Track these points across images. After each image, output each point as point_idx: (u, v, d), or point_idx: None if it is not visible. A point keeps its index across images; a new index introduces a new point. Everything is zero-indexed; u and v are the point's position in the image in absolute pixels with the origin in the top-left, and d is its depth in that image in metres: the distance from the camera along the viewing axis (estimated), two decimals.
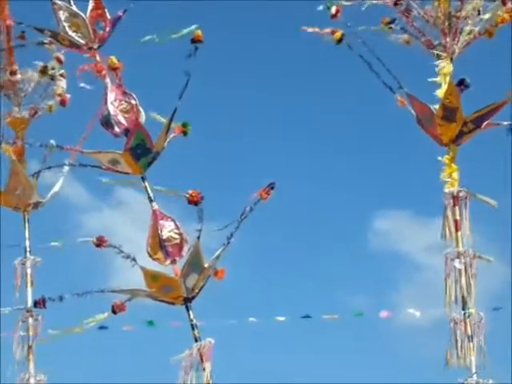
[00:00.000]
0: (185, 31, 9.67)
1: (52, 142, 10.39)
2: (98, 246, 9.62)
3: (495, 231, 10.10)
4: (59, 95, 11.44)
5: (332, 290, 14.96)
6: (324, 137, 16.45)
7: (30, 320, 10.67)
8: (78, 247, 9.96)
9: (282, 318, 10.10)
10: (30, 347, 10.61)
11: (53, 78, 11.36)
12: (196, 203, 9.44)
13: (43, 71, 11.38)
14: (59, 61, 11.35)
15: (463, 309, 9.46)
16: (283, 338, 12.67)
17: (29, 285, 10.82)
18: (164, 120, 9.78)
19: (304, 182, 15.53)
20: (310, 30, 10.18)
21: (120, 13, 10.15)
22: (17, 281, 10.76)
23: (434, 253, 9.83)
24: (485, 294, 9.78)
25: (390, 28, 10.18)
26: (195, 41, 9.58)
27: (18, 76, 11.35)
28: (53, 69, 11.31)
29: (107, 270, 12.96)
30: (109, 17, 10.18)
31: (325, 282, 15.11)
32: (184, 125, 9.82)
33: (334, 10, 10.08)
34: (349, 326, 10.15)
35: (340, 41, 10.07)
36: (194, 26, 9.64)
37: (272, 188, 9.44)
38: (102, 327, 10.11)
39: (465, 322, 9.42)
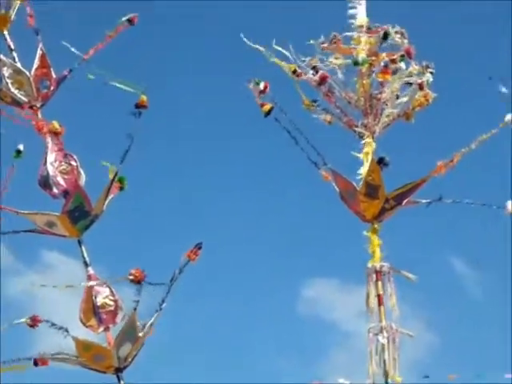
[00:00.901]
0: (130, 87, 9.61)
1: None
2: (31, 326, 9.36)
3: (424, 300, 10.30)
4: None
5: (261, 357, 14.98)
6: (253, 204, 16.58)
7: None
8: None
9: None
10: None
11: None
12: (139, 282, 9.38)
13: None
14: None
15: (385, 382, 9.62)
16: None
17: None
18: (115, 168, 9.63)
19: (234, 246, 15.56)
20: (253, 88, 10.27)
21: (65, 72, 9.95)
22: None
23: (362, 321, 9.98)
24: (411, 364, 9.95)
25: (313, 108, 10.46)
26: (140, 106, 9.52)
27: None
28: None
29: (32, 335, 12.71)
30: (54, 76, 9.94)
31: (255, 349, 15.12)
32: (120, 180, 9.68)
33: (262, 85, 10.29)
34: None
35: (268, 113, 10.26)
36: (140, 86, 9.58)
37: (199, 248, 9.31)
38: None
39: None
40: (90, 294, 9.53)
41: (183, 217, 16.53)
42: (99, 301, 9.49)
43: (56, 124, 9.72)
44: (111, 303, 9.52)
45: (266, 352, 15.03)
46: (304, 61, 10.42)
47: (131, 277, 9.28)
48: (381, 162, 10.08)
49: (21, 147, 9.71)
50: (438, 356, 12.99)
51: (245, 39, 10.30)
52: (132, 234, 15.43)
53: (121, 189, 9.73)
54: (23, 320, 9.32)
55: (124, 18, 9.94)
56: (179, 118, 16.78)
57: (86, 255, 9.63)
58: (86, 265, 9.63)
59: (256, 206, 16.67)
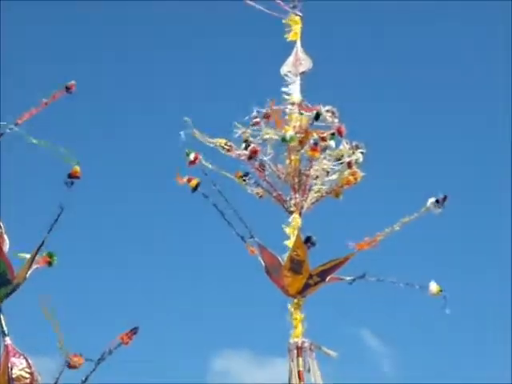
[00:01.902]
0: (64, 159, 9.52)
1: None
2: None
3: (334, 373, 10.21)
4: None
5: None
6: (175, 274, 16.45)
7: None
8: None
9: None
10: None
11: None
12: (77, 368, 9.05)
13: None
14: None
15: None
16: None
17: None
18: (28, 256, 9.51)
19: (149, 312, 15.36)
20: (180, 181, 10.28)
21: None
22: None
23: None
24: None
25: (244, 181, 10.48)
26: (72, 176, 9.39)
27: None
28: None
29: None
30: None
31: None
32: (49, 255, 9.47)
33: (192, 156, 10.31)
34: None
35: (195, 189, 10.26)
36: (73, 159, 9.47)
37: (135, 333, 9.14)
38: None
39: None
40: (5, 364, 9.17)
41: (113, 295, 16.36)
42: (15, 373, 9.14)
43: None
44: (27, 376, 9.21)
45: None
46: (236, 133, 10.48)
47: (72, 363, 9.08)
48: (308, 241, 10.08)
49: None
50: None
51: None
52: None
53: (49, 264, 9.52)
54: None
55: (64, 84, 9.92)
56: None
57: (4, 324, 9.43)
58: (4, 334, 9.31)
59: (178, 275, 16.59)
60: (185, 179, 10.30)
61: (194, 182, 10.28)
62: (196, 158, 10.35)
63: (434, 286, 9.91)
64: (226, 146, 10.52)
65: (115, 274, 16.53)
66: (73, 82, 9.78)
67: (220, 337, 15.66)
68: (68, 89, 9.82)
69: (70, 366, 9.08)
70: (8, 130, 9.57)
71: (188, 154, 10.37)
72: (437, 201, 9.89)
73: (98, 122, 16.82)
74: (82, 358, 9.09)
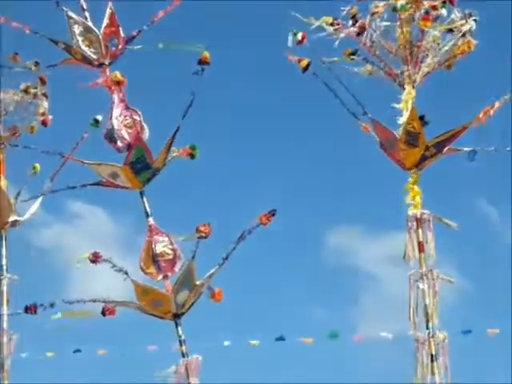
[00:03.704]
0: (191, 46, 9.61)
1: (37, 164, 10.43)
2: (93, 261, 9.34)
3: (454, 248, 10.10)
4: (42, 114, 11.29)
5: (297, 307, 14.91)
6: (289, 156, 16.48)
7: (4, 339, 10.29)
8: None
9: (256, 342, 9.94)
10: (2, 366, 10.34)
11: (35, 97, 11.23)
12: (206, 237, 9.32)
13: (26, 90, 11.21)
14: (42, 81, 11.16)
15: (427, 328, 9.45)
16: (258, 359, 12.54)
17: (4, 303, 10.46)
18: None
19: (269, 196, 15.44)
20: (292, 58, 10.17)
21: (134, 32, 9.96)
22: None
23: (389, 265, 9.83)
24: (448, 311, 9.78)
25: (353, 59, 10.24)
26: (202, 62, 9.47)
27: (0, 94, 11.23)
28: (35, 88, 11.19)
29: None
30: (122, 35, 9.96)
31: (289, 300, 15.05)
32: (192, 147, 9.68)
33: (300, 36, 10.12)
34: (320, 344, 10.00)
35: (306, 68, 10.07)
36: (202, 45, 9.51)
37: (273, 214, 9.34)
38: (76, 350, 9.91)
39: (429, 342, 9.40)
40: (149, 242, 9.53)
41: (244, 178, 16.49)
42: (158, 249, 9.48)
43: (118, 74, 9.72)
44: (170, 252, 9.51)
45: (296, 300, 14.96)
46: (343, 10, 10.21)
47: (200, 233, 9.29)
48: (421, 119, 9.87)
49: (99, 117, 9.80)
50: (470, 301, 12.79)
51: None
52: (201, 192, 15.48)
53: (191, 156, 9.71)
54: (86, 255, 9.36)
55: None
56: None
57: (147, 206, 9.62)
58: (147, 215, 9.61)
59: (293, 155, 16.56)
60: (295, 58, 10.14)
61: (304, 62, 10.10)
62: (303, 38, 10.15)
63: None
64: (333, 23, 10.26)
65: (248, 160, 16.61)
66: None
67: (334, 213, 15.66)
68: None
69: (200, 237, 9.29)
70: (145, 27, 9.90)
71: (295, 34, 10.18)
72: None
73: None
74: (209, 226, 9.29)
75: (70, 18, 9.94)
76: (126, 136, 9.73)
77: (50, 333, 9.82)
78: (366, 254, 16.45)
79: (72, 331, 9.95)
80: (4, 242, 10.92)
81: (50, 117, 11.41)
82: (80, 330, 9.95)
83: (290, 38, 10.17)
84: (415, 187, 9.82)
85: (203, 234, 9.32)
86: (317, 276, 15.26)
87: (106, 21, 10.05)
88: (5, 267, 10.79)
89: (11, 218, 10.95)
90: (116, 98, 9.81)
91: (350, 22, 10.22)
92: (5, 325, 10.46)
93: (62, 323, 9.56)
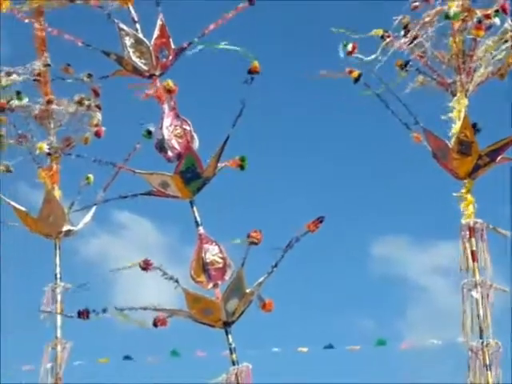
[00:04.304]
0: (243, 53, 9.63)
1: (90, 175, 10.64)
2: (144, 269, 9.27)
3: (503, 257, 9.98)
4: (95, 126, 11.38)
5: (344, 316, 14.83)
6: (340, 169, 16.47)
7: (59, 347, 10.38)
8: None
9: (304, 349, 9.89)
10: (57, 374, 10.40)
11: (89, 108, 11.32)
12: (257, 243, 9.25)
13: (80, 102, 11.33)
14: (96, 93, 11.28)
15: (481, 337, 9.36)
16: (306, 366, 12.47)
17: (58, 311, 10.56)
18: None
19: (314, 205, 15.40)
20: (326, 74, 10.21)
21: (185, 44, 9.97)
22: (46, 305, 10.59)
23: (437, 276, 9.75)
24: (502, 322, 9.67)
25: (406, 70, 10.22)
26: (252, 72, 9.46)
27: (54, 106, 11.34)
28: (89, 100, 11.32)
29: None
30: (173, 46, 9.97)
31: (336, 309, 14.99)
32: (241, 159, 9.64)
33: (350, 47, 10.11)
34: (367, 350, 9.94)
35: (357, 80, 10.07)
36: (252, 55, 9.53)
37: (321, 221, 9.24)
38: (126, 357, 9.92)
39: (483, 351, 9.31)
40: (200, 251, 9.51)
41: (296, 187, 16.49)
42: (208, 258, 9.43)
43: (170, 82, 9.75)
44: (220, 260, 9.46)
45: (341, 310, 14.87)
46: (395, 19, 10.21)
47: (251, 239, 9.26)
48: (473, 127, 9.81)
49: (152, 129, 9.78)
50: None
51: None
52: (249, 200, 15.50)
53: (241, 167, 9.68)
54: (137, 262, 9.38)
55: None
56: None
57: (197, 216, 9.62)
58: (197, 224, 9.60)
59: (344, 166, 16.53)
60: (346, 70, 10.16)
61: (355, 74, 10.11)
62: (354, 48, 10.16)
63: None
64: (384, 36, 10.26)
65: (298, 167, 16.63)
66: None
67: (380, 223, 15.59)
68: (250, 1, 9.89)
69: (251, 243, 9.25)
70: (196, 39, 9.85)
71: (345, 45, 10.20)
72: None
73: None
74: (261, 233, 9.27)
75: (122, 29, 9.99)
76: (177, 146, 9.74)
77: (102, 340, 9.83)
78: (413, 264, 16.34)
79: (122, 338, 9.97)
80: (58, 251, 11.03)
81: (104, 128, 11.54)
82: (130, 336, 9.97)
83: (341, 48, 10.18)
84: (469, 196, 9.76)
85: (255, 240, 9.28)
86: (363, 286, 15.18)
87: (156, 32, 10.07)
88: (59, 275, 10.88)
89: (65, 228, 11.07)
90: (166, 107, 9.84)
91: (402, 32, 10.22)
92: (59, 333, 10.53)
93: (113, 330, 9.58)
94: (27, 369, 10.39)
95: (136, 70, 9.99)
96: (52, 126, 11.41)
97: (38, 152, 11.22)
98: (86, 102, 11.41)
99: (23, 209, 11.13)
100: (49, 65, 11.43)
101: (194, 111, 10.37)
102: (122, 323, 9.38)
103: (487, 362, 9.26)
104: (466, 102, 9.90)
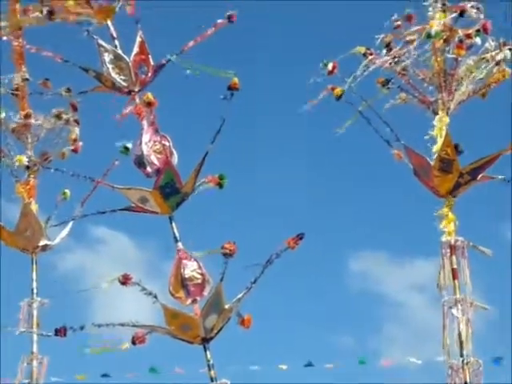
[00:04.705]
0: (221, 73, 9.66)
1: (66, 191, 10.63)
2: (123, 283, 9.23)
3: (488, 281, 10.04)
4: (73, 140, 11.32)
5: (320, 332, 14.82)
6: (320, 184, 16.53)
7: (35, 363, 10.27)
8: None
9: (284, 366, 9.85)
10: None
11: (67, 123, 11.29)
12: (232, 256, 9.24)
13: (58, 116, 11.28)
14: (74, 108, 11.22)
15: (461, 355, 9.36)
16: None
17: (34, 326, 10.45)
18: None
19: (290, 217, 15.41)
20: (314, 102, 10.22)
21: (163, 61, 9.98)
22: (22, 321, 10.47)
23: (413, 292, 9.77)
24: (481, 340, 9.68)
25: (387, 88, 10.26)
26: (231, 88, 9.48)
27: (32, 120, 11.27)
28: (67, 114, 11.27)
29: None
30: (152, 63, 10.00)
31: (315, 325, 14.97)
32: (220, 177, 9.64)
33: (330, 66, 10.15)
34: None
35: (340, 97, 10.10)
36: (231, 72, 9.61)
37: (301, 238, 9.27)
38: (104, 375, 9.85)
39: (463, 369, 9.29)
40: (178, 266, 9.47)
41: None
42: (187, 273, 9.41)
43: (150, 95, 9.74)
44: (199, 276, 9.43)
45: (320, 326, 14.85)
46: (377, 38, 10.26)
47: (225, 250, 9.24)
48: (455, 148, 9.85)
49: (129, 145, 9.75)
50: (496, 328, 12.66)
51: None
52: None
53: (220, 186, 9.66)
54: (116, 277, 9.30)
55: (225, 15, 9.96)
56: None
57: (176, 231, 9.60)
58: (176, 240, 9.57)
59: (320, 180, 16.57)
60: (329, 87, 10.18)
61: (338, 91, 10.13)
62: (334, 67, 10.19)
63: None
64: (366, 53, 10.31)
65: (276, 184, 16.66)
66: (234, 12, 9.87)
67: (358, 238, 15.63)
68: (229, 19, 9.89)
69: (225, 254, 9.23)
70: (174, 57, 9.85)
71: (326, 65, 10.23)
72: None
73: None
74: (235, 245, 9.25)
75: (101, 46, 10.00)
76: (156, 161, 9.74)
77: (79, 357, 9.73)
78: (391, 280, 16.38)
79: (101, 356, 9.85)
80: (35, 266, 10.93)
81: (81, 143, 11.49)
82: (108, 353, 9.85)
83: (321, 67, 10.21)
84: (450, 214, 9.78)
85: (228, 251, 9.25)
86: (341, 302, 15.18)
87: (136, 49, 10.08)
88: (35, 291, 10.77)
89: (42, 243, 10.97)
90: (145, 123, 9.82)
91: (384, 51, 10.26)
92: (35, 348, 10.40)
93: (90, 346, 9.48)
94: None
95: (115, 86, 9.99)
96: (29, 140, 11.32)
97: (17, 164, 11.14)
98: (65, 116, 11.36)
99: None
100: (27, 79, 11.36)
101: (173, 127, 10.37)
102: (100, 353, 9.29)
103: (467, 380, 9.24)
104: (447, 120, 9.95)
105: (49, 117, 11.39)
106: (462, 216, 9.88)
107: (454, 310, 9.44)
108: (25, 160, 11.10)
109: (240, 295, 9.37)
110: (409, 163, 10.04)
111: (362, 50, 10.30)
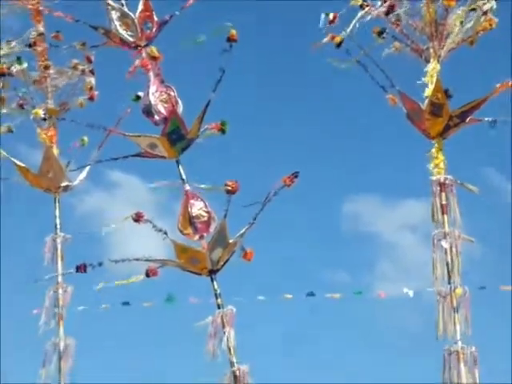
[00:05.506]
0: (217, 30, 10.11)
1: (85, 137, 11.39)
2: (136, 221, 9.94)
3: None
4: (89, 90, 12.03)
5: (317, 267, 15.49)
6: (315, 127, 17.05)
7: (60, 290, 11.18)
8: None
9: (289, 296, 10.56)
10: (60, 315, 11.12)
11: (83, 73, 11.96)
12: (234, 193, 9.88)
13: (74, 67, 11.96)
14: (89, 60, 11.97)
15: (449, 283, 10.09)
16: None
17: (59, 259, 11.37)
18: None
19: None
20: (319, 45, 10.78)
21: (167, 17, 10.54)
22: (47, 254, 11.38)
23: (405, 231, 10.39)
24: (468, 270, 10.38)
25: (382, 37, 10.88)
26: (230, 40, 10.06)
27: (51, 71, 11.95)
28: (83, 65, 11.99)
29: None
30: (156, 19, 10.56)
31: (309, 261, 15.65)
32: (222, 123, 10.25)
33: (331, 16, 10.78)
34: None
35: (339, 45, 10.72)
36: (228, 24, 10.07)
37: (296, 176, 9.88)
38: (124, 303, 10.58)
39: (451, 296, 10.03)
40: (186, 205, 10.16)
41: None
42: (194, 212, 10.09)
43: (154, 50, 10.37)
44: (205, 214, 10.12)
45: (312, 265, 15.52)
46: None
47: (227, 187, 9.90)
48: (445, 93, 10.45)
49: (140, 94, 10.43)
50: (478, 264, 13.38)
51: None
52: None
53: (222, 131, 10.30)
54: (130, 215, 10.00)
55: None
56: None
57: (183, 173, 10.28)
58: (183, 182, 10.26)
59: (315, 123, 17.04)
60: (329, 36, 10.78)
61: (337, 39, 10.72)
62: (335, 17, 10.80)
63: None
64: (363, 5, 10.90)
65: (273, 127, 17.23)
66: None
67: (350, 181, 16.26)
68: None
69: (228, 192, 9.92)
70: (177, 12, 10.46)
71: (327, 15, 10.83)
72: None
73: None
74: (237, 183, 9.94)
75: (108, 4, 10.55)
76: (162, 110, 10.33)
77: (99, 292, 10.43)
78: (383, 222, 17.01)
79: (119, 288, 10.57)
80: (57, 205, 11.73)
81: (96, 92, 12.20)
82: (127, 285, 10.57)
83: (322, 18, 10.82)
84: (439, 154, 10.46)
85: (230, 188, 9.88)
86: (334, 242, 15.84)
87: (140, 6, 10.65)
88: (58, 226, 11.61)
89: (64, 183, 11.77)
90: (152, 75, 10.42)
91: (379, 3, 10.87)
92: (60, 279, 11.28)
93: (112, 279, 10.21)
94: (36, 313, 11.10)
95: (123, 42, 10.58)
96: (49, 90, 12.05)
97: (33, 117, 11.85)
98: (80, 67, 12.04)
99: (24, 165, 11.81)
100: (43, 33, 12.03)
101: (177, 79, 10.91)
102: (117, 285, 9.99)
103: (455, 305, 9.97)
104: (438, 67, 10.55)
105: (66, 68, 12.09)
106: (450, 158, 10.54)
107: (443, 242, 10.15)
108: (41, 112, 11.83)
109: (243, 230, 10.05)
110: (403, 108, 10.67)
111: (359, 1, 10.91)
